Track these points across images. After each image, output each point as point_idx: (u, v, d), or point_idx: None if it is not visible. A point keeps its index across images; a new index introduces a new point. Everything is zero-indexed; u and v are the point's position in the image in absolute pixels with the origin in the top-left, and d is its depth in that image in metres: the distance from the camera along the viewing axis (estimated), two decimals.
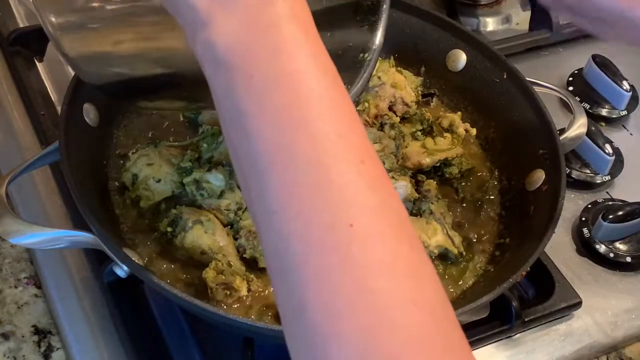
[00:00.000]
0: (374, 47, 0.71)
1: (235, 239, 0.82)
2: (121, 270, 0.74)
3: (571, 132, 0.93)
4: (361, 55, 0.71)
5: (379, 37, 0.71)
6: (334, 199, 0.44)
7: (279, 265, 0.46)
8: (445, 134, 0.95)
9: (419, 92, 1.01)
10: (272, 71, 0.46)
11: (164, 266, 0.81)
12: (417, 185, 0.90)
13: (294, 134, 0.45)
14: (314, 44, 0.48)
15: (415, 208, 0.87)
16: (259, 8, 0.47)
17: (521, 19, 1.22)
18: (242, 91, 0.47)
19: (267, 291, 0.80)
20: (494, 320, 0.85)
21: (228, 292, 0.77)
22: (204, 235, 0.80)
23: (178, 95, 0.76)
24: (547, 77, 1.01)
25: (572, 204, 0.99)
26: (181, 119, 0.94)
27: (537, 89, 0.94)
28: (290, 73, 0.46)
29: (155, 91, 0.76)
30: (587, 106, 1.09)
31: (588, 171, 1.01)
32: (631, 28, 0.68)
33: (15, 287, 0.85)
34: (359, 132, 0.47)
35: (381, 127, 0.93)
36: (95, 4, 0.68)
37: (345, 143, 0.46)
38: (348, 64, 0.70)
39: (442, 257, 0.85)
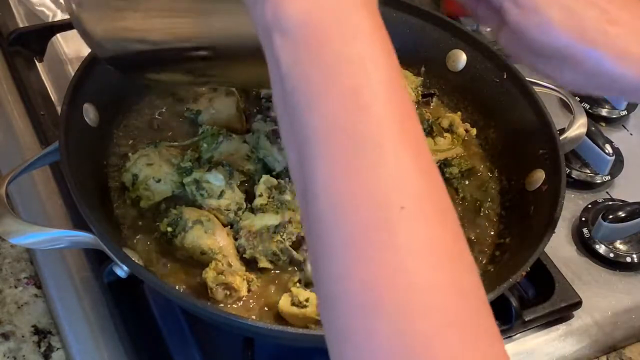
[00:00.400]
0: None
1: (235, 239, 0.82)
2: (121, 270, 0.74)
3: (571, 132, 0.93)
4: None
5: None
6: (388, 180, 0.45)
7: (325, 242, 0.46)
8: (445, 134, 0.95)
9: (419, 92, 1.01)
10: (342, 53, 0.47)
11: (164, 266, 0.81)
12: None
13: (357, 114, 0.46)
14: (381, 32, 0.49)
15: None
16: None
17: None
18: (309, 67, 0.47)
19: (267, 291, 0.80)
20: None
21: (228, 292, 0.77)
22: (204, 235, 0.80)
23: (188, 68, 0.77)
24: None
25: (572, 204, 0.99)
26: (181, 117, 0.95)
27: (537, 89, 0.94)
28: (359, 57, 0.47)
29: (166, 64, 0.76)
30: (587, 106, 1.10)
31: (588, 171, 1.01)
32: (588, 65, 0.67)
33: (15, 287, 0.85)
34: (416, 121, 0.48)
35: None
36: None
37: (404, 131, 0.47)
38: None
39: None
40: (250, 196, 0.84)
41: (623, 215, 0.93)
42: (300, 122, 0.48)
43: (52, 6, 1.14)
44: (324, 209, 0.46)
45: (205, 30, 0.70)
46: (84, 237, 0.74)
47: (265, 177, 0.83)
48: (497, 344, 0.46)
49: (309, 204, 0.47)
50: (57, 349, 0.80)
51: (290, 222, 0.81)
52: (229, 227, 0.83)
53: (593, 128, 1.00)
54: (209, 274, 0.77)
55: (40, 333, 0.81)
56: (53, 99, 1.00)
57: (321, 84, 0.47)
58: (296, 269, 0.81)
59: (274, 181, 0.83)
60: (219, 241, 0.80)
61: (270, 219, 0.81)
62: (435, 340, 0.43)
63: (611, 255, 0.93)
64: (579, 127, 0.94)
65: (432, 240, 0.45)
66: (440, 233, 0.46)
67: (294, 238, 0.81)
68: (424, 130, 0.96)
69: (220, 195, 0.83)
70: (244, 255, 0.81)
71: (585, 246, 0.95)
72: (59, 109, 0.95)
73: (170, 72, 0.80)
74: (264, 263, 0.81)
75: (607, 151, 1.00)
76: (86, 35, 0.73)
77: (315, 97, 0.47)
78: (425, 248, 0.45)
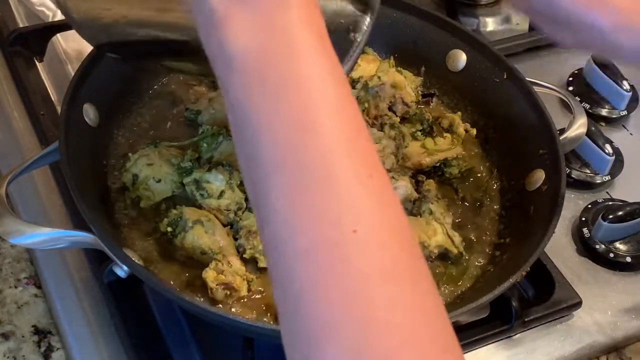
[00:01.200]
0: (364, 28, 0.71)
1: (235, 239, 0.82)
2: (121, 270, 0.74)
3: (571, 132, 0.93)
4: (352, 34, 0.71)
5: (368, 20, 0.71)
6: (340, 203, 0.45)
7: (280, 260, 0.46)
8: (445, 134, 0.95)
9: (419, 92, 1.01)
10: (286, 75, 0.47)
11: (164, 266, 0.81)
12: (417, 185, 0.90)
13: (306, 136, 0.46)
14: (326, 50, 0.48)
15: (415, 208, 0.87)
16: (275, 13, 0.48)
17: (521, 19, 1.22)
18: (255, 92, 0.47)
19: (267, 291, 0.80)
20: (494, 320, 0.85)
21: (228, 292, 0.77)
22: (204, 235, 0.80)
23: (180, 58, 0.77)
24: (547, 77, 1.01)
25: (572, 204, 0.99)
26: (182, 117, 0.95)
27: (537, 89, 0.94)
28: (304, 78, 0.47)
29: (157, 54, 0.76)
30: (587, 106, 1.09)
31: (588, 171, 1.01)
32: (588, 31, 0.68)
33: (15, 287, 0.85)
34: (367, 138, 0.48)
35: (381, 127, 0.93)
36: None
37: (354, 148, 0.47)
38: (338, 40, 0.71)
39: (442, 257, 0.85)
40: (239, 166, 0.84)
41: (623, 215, 0.93)
42: (251, 148, 0.48)
43: (52, 6, 1.14)
44: (277, 234, 0.46)
45: (175, 26, 0.70)
46: (84, 237, 0.74)
47: None
48: (458, 358, 0.45)
49: (264, 229, 0.47)
50: (57, 349, 0.80)
51: None
52: (229, 227, 0.83)
53: (593, 128, 1.00)
54: (209, 274, 0.77)
55: (40, 333, 0.81)
56: (53, 99, 1.00)
57: (268, 109, 0.47)
58: None
59: None
60: (219, 241, 0.80)
61: None
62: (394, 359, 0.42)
63: (611, 255, 0.93)
64: (579, 127, 0.94)
65: (387, 262, 0.45)
66: (396, 254, 0.45)
67: None
68: (424, 130, 0.96)
69: (220, 195, 0.83)
70: (244, 255, 0.81)
71: (585, 246, 0.95)
72: (59, 109, 0.95)
73: (164, 61, 0.80)
74: (263, 263, 0.81)
75: (607, 151, 0.99)
76: (68, 16, 0.73)
77: (264, 123, 0.47)
78: (380, 269, 0.44)
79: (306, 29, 0.48)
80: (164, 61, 0.81)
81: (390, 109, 0.96)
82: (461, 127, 0.96)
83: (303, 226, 0.45)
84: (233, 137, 0.50)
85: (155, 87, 0.97)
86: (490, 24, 1.22)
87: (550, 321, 0.87)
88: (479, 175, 0.95)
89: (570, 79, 1.13)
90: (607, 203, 0.97)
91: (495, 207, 0.92)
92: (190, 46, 0.69)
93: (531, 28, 1.21)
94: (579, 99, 1.08)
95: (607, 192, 1.02)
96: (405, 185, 0.86)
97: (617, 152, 1.02)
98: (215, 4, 0.48)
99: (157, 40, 0.72)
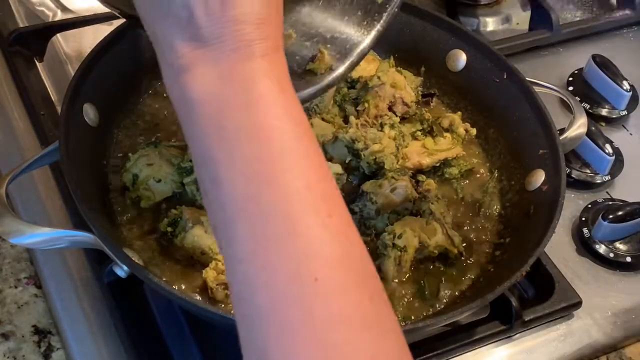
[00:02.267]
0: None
1: None
2: (121, 270, 0.74)
3: (571, 132, 0.93)
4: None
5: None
6: (300, 251, 0.46)
7: (244, 312, 0.47)
8: (445, 134, 0.95)
9: (419, 92, 1.01)
10: (245, 124, 0.47)
11: (164, 266, 0.81)
12: (417, 185, 0.90)
13: (263, 186, 0.46)
14: (287, 98, 0.49)
15: (415, 208, 0.87)
16: (238, 62, 0.48)
17: (521, 19, 1.22)
18: (214, 140, 0.48)
19: None
20: (494, 320, 0.85)
21: (228, 292, 0.77)
22: (204, 235, 0.80)
23: None
24: (547, 77, 1.01)
25: (572, 204, 0.99)
26: None
27: (537, 89, 0.94)
28: (262, 127, 0.47)
29: None
30: (587, 106, 1.10)
31: (588, 171, 1.01)
32: None
33: (15, 287, 0.85)
34: (328, 183, 0.49)
35: (381, 127, 0.93)
36: None
37: (313, 195, 0.47)
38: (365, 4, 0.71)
39: (442, 257, 0.85)
40: None
41: (623, 215, 0.93)
42: (212, 196, 0.48)
43: (52, 6, 1.14)
44: (242, 285, 0.47)
45: None
46: (84, 237, 0.74)
47: None
48: None
49: (229, 277, 0.48)
50: (57, 349, 0.80)
51: None
52: None
53: (593, 128, 1.00)
54: (209, 274, 0.77)
55: (40, 333, 0.81)
56: (53, 99, 1.00)
57: (226, 157, 0.47)
58: None
59: None
60: None
61: None
62: None
63: (611, 255, 0.93)
64: (579, 127, 0.94)
65: (348, 309, 0.45)
66: (357, 299, 0.46)
67: None
68: (424, 130, 0.96)
69: None
70: None
71: (585, 246, 0.95)
72: (59, 109, 0.95)
73: None
74: None
75: (607, 151, 0.99)
76: None
77: (222, 170, 0.47)
78: (341, 317, 0.45)
79: (267, 77, 0.48)
80: None
81: (390, 109, 0.96)
82: (461, 127, 0.96)
83: (263, 283, 0.46)
84: (196, 173, 0.51)
85: (155, 87, 0.97)
86: (490, 24, 1.22)
87: (550, 321, 0.87)
88: (479, 175, 0.95)
89: (570, 79, 1.13)
90: (607, 203, 0.97)
91: (495, 207, 0.92)
92: None
93: (531, 28, 1.21)
94: (579, 99, 1.08)
95: (607, 192, 1.02)
96: (405, 185, 0.86)
97: (617, 152, 1.02)
98: (181, 50, 0.49)
99: None
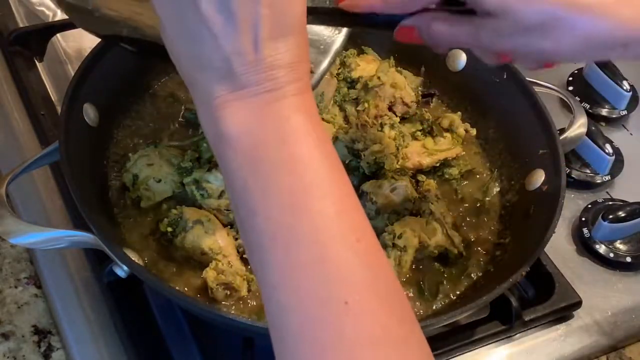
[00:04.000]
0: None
1: (235, 239, 0.82)
2: (121, 270, 0.74)
3: (571, 132, 0.93)
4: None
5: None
6: (331, 276, 0.48)
7: (278, 335, 0.49)
8: (445, 134, 0.95)
9: (419, 92, 1.01)
10: (279, 157, 0.50)
11: (164, 266, 0.81)
12: (417, 185, 0.90)
13: (296, 215, 0.49)
14: (318, 132, 0.52)
15: (415, 208, 0.87)
16: (272, 101, 0.51)
17: None
18: (249, 172, 0.51)
19: None
20: (494, 320, 0.85)
21: (228, 292, 0.77)
22: (204, 235, 0.80)
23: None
24: (547, 77, 1.01)
25: (572, 204, 0.99)
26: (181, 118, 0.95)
27: (537, 89, 0.94)
28: (296, 159, 0.50)
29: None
30: (587, 106, 1.10)
31: (588, 171, 1.01)
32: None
33: (15, 287, 0.85)
34: (356, 210, 0.51)
35: (381, 127, 0.93)
36: None
37: (343, 222, 0.50)
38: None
39: (442, 257, 0.85)
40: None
41: (623, 215, 0.93)
42: (247, 225, 0.51)
43: (52, 6, 1.14)
44: (275, 309, 0.49)
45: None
46: (84, 237, 0.74)
47: None
48: None
49: (265, 301, 0.50)
50: (57, 349, 0.80)
51: None
52: (229, 227, 0.83)
53: (593, 128, 1.00)
54: (209, 274, 0.77)
55: (40, 333, 0.81)
56: (53, 99, 1.00)
57: (261, 187, 0.50)
58: None
59: None
60: (219, 241, 0.80)
61: None
62: None
63: (611, 255, 0.93)
64: (579, 127, 0.94)
65: (377, 330, 0.47)
66: (386, 321, 0.48)
67: None
68: (424, 130, 0.96)
69: (220, 195, 0.83)
70: (244, 256, 0.81)
71: (585, 246, 0.95)
72: (59, 109, 0.95)
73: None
74: None
75: (607, 151, 0.99)
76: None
77: (256, 201, 0.50)
78: (371, 339, 0.47)
79: (299, 114, 0.51)
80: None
81: (390, 109, 0.96)
82: (461, 127, 0.96)
83: (295, 306, 0.48)
84: (230, 197, 0.53)
85: (155, 87, 0.97)
86: None
87: (550, 321, 0.87)
88: (478, 175, 0.95)
89: (570, 79, 1.13)
90: (607, 203, 0.97)
91: (495, 207, 0.92)
92: None
93: None
94: (579, 99, 1.08)
95: (607, 192, 1.02)
96: (405, 185, 0.86)
97: (617, 152, 1.02)
98: (218, 92, 0.51)
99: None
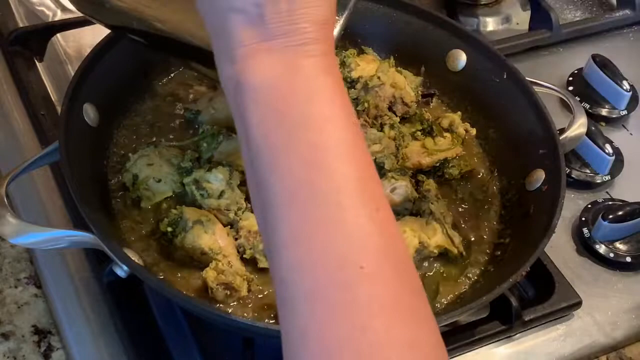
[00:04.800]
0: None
1: (235, 239, 0.82)
2: (121, 270, 0.74)
3: (571, 132, 0.93)
4: None
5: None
6: (349, 238, 0.47)
7: (287, 295, 0.48)
8: (445, 134, 0.95)
9: (419, 92, 1.01)
10: (305, 113, 0.50)
11: (164, 266, 0.81)
12: (417, 185, 0.90)
13: (318, 173, 0.49)
14: (342, 95, 0.51)
15: (415, 208, 0.87)
16: (302, 56, 0.50)
17: (521, 18, 1.22)
18: (272, 126, 0.50)
19: (267, 291, 0.80)
20: (494, 320, 0.85)
21: (228, 292, 0.77)
22: (204, 235, 0.80)
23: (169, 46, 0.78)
24: (547, 77, 1.01)
25: (572, 204, 0.99)
26: (178, 120, 0.95)
27: (537, 89, 0.94)
28: (322, 118, 0.50)
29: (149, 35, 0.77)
30: (587, 106, 1.09)
31: (588, 171, 1.01)
32: None
33: (15, 287, 0.85)
34: (376, 180, 0.51)
35: (381, 127, 0.93)
36: None
37: (363, 187, 0.49)
38: None
39: (442, 257, 0.85)
40: (250, 196, 0.84)
41: (623, 215, 0.93)
42: (263, 181, 0.50)
43: (52, 6, 1.14)
44: (286, 268, 0.48)
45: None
46: (84, 237, 0.74)
47: None
48: None
49: (273, 260, 0.49)
50: (57, 349, 0.80)
51: None
52: (229, 227, 0.83)
53: (593, 128, 1.00)
54: (209, 274, 0.77)
55: (40, 333, 0.81)
56: (53, 99, 1.00)
57: (283, 142, 0.49)
58: None
59: None
60: (219, 241, 0.80)
61: None
62: None
63: (611, 255, 0.93)
64: (579, 127, 0.94)
65: (390, 298, 0.47)
66: (399, 290, 0.48)
67: None
68: (424, 130, 0.96)
69: (220, 195, 0.83)
70: (244, 256, 0.81)
71: (585, 246, 0.95)
72: (59, 109, 0.95)
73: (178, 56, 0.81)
74: (263, 263, 0.81)
75: (607, 151, 0.99)
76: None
77: (278, 155, 0.49)
78: (383, 306, 0.46)
79: (326, 75, 0.51)
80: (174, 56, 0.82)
81: (390, 109, 0.96)
82: (461, 127, 0.96)
83: (310, 267, 0.47)
84: (245, 162, 0.52)
85: (155, 87, 0.97)
86: (490, 24, 1.22)
87: (550, 321, 0.87)
88: (479, 175, 0.95)
89: (570, 79, 1.13)
90: (607, 203, 0.97)
91: (495, 207, 0.92)
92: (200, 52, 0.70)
93: (531, 28, 1.21)
94: (579, 99, 1.07)
95: (607, 192, 1.02)
96: (405, 185, 0.86)
97: (617, 152, 1.02)
98: (245, 40, 0.50)
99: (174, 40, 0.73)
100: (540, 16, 1.19)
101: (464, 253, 0.86)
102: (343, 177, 0.49)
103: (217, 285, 0.77)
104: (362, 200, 0.48)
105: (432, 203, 0.87)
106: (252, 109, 0.50)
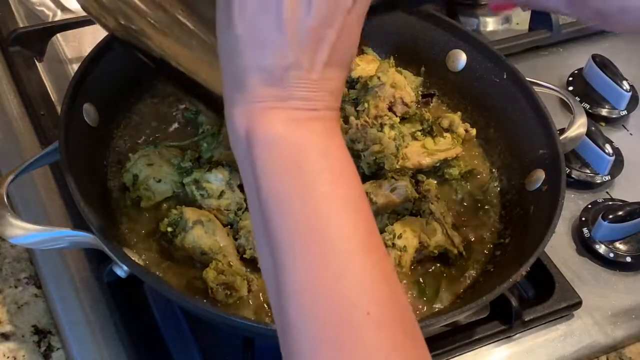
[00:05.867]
0: None
1: (235, 239, 0.82)
2: (121, 270, 0.74)
3: (571, 132, 0.93)
4: None
5: None
6: (355, 286, 0.50)
7: (295, 338, 0.51)
8: (445, 134, 0.95)
9: (419, 92, 1.01)
10: (320, 167, 0.53)
11: (164, 266, 0.81)
12: (417, 185, 0.90)
13: (328, 221, 0.51)
14: (348, 155, 0.55)
15: (415, 208, 0.87)
16: (313, 118, 0.54)
17: (521, 19, 1.22)
18: (286, 177, 0.52)
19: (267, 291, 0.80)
20: (494, 320, 0.85)
21: (228, 292, 0.77)
22: (204, 235, 0.80)
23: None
24: (547, 77, 1.01)
25: (572, 204, 0.99)
26: (177, 122, 0.95)
27: (537, 89, 0.94)
28: (334, 172, 0.53)
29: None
30: (587, 106, 1.10)
31: (588, 171, 1.01)
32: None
33: (15, 287, 0.85)
34: (377, 231, 0.54)
35: (381, 128, 0.93)
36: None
37: (368, 238, 0.52)
38: None
39: (442, 257, 0.85)
40: (253, 230, 0.84)
41: (623, 215, 0.93)
42: (273, 227, 0.52)
43: (52, 6, 1.14)
44: (296, 312, 0.50)
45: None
46: (84, 237, 0.74)
47: None
48: None
49: (281, 306, 0.52)
50: (57, 349, 0.80)
51: None
52: (229, 227, 0.83)
53: (593, 128, 1.00)
54: (209, 274, 0.77)
55: (40, 333, 0.81)
56: (53, 99, 1.00)
57: (294, 193, 0.52)
58: None
59: None
60: (219, 241, 0.80)
61: None
62: None
63: (611, 255, 0.93)
64: (579, 127, 0.94)
65: (395, 346, 0.49)
66: (401, 338, 0.50)
67: None
68: (424, 130, 0.96)
69: (220, 195, 0.83)
70: (244, 256, 0.81)
71: (585, 246, 0.95)
72: (59, 109, 0.95)
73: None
74: None
75: (607, 151, 1.00)
76: None
77: (290, 203, 0.52)
78: (388, 351, 0.49)
79: (335, 136, 0.55)
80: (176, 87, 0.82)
81: (390, 109, 0.96)
82: (461, 127, 0.96)
83: (320, 311, 0.50)
84: (250, 202, 0.54)
85: (155, 87, 0.97)
86: (490, 24, 1.22)
87: (550, 321, 0.87)
88: (479, 175, 0.95)
89: (570, 79, 1.13)
90: (607, 203, 0.97)
91: (495, 207, 0.92)
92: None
93: (531, 28, 1.21)
94: (579, 99, 1.08)
95: (607, 192, 1.02)
96: (405, 185, 0.86)
97: (617, 152, 1.02)
98: (263, 95, 0.53)
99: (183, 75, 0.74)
100: (540, 16, 1.19)
101: (464, 253, 0.86)
102: (352, 227, 0.52)
103: (217, 285, 0.77)
104: (368, 250, 0.51)
105: (432, 203, 0.87)
106: (266, 158, 0.53)
